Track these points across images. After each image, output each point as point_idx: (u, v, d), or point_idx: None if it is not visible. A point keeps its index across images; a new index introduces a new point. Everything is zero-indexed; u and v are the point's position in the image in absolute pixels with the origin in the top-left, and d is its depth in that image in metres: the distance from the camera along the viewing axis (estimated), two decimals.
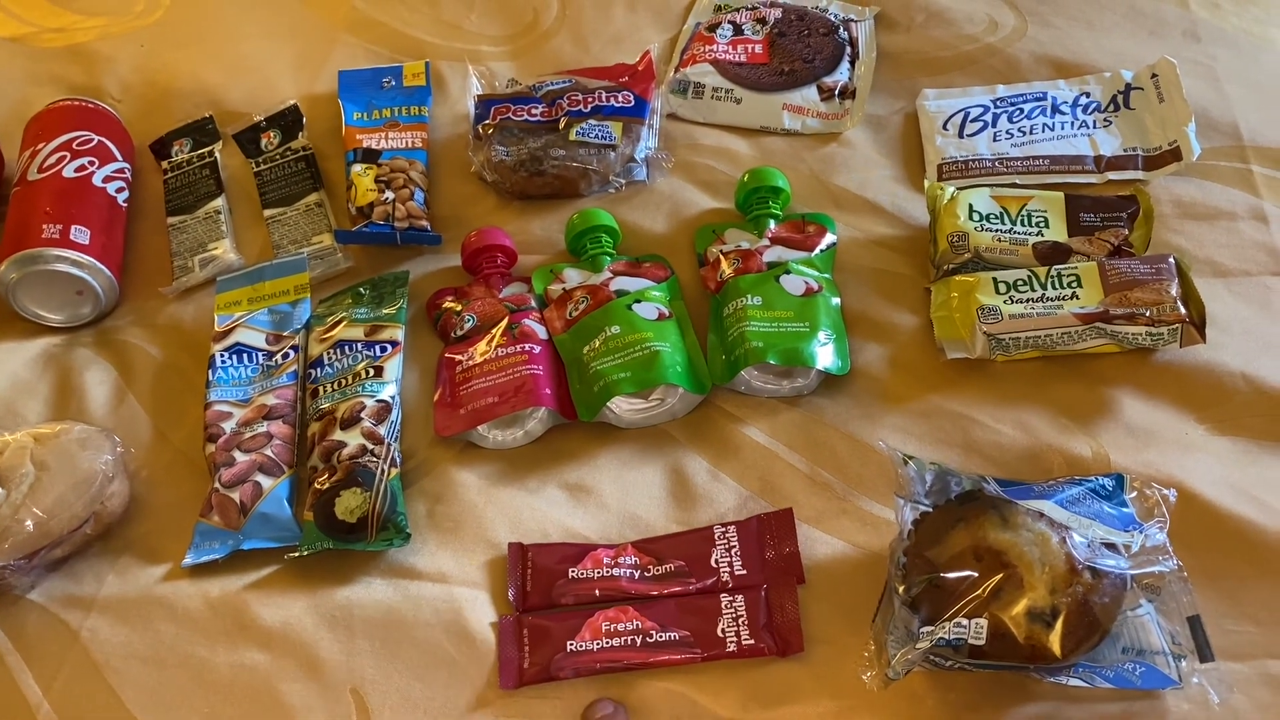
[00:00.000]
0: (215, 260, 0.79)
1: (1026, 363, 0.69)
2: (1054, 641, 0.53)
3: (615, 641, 0.59)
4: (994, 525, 0.55)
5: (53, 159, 0.82)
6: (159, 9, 1.03)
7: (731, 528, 0.63)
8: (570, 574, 0.62)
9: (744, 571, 0.61)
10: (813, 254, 0.75)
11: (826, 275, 0.75)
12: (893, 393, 0.69)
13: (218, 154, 0.88)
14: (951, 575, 0.54)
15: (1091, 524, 0.56)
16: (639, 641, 0.59)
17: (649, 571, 0.62)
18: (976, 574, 0.54)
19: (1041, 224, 0.73)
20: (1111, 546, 0.56)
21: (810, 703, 0.56)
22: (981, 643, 0.53)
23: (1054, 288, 0.68)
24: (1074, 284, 0.68)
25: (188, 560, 0.64)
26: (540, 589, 0.62)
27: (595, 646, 0.59)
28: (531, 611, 0.61)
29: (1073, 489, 0.58)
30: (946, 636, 0.53)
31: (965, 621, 0.53)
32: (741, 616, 0.59)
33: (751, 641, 0.58)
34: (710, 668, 0.58)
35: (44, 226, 0.77)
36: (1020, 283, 0.69)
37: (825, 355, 0.69)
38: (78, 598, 0.63)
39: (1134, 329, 0.66)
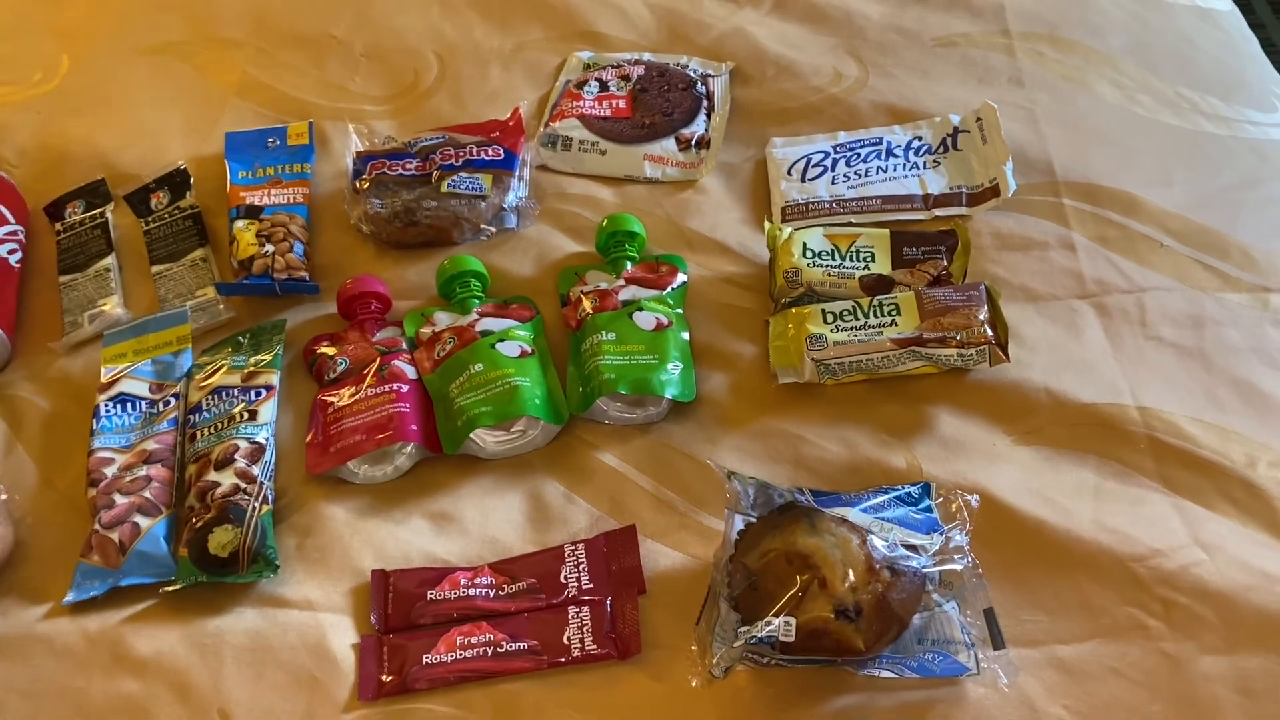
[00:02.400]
0: (103, 315, 0.84)
1: (854, 385, 0.75)
2: (857, 635, 0.58)
3: (468, 654, 0.63)
4: (803, 531, 0.61)
5: None
6: (56, 77, 1.07)
7: (580, 545, 0.68)
8: (429, 595, 0.66)
9: (591, 585, 0.66)
10: (665, 292, 0.81)
11: (678, 311, 0.80)
12: (733, 416, 0.75)
13: (109, 215, 0.92)
14: (766, 578, 0.60)
15: (893, 528, 0.62)
16: (490, 652, 0.63)
17: (503, 590, 0.67)
18: (786, 577, 0.59)
19: (869, 258, 0.80)
20: (912, 548, 0.62)
21: (645, 700, 0.61)
22: (791, 639, 0.58)
23: (875, 316, 0.75)
24: (894, 312, 0.75)
25: (68, 598, 0.67)
26: (401, 611, 0.66)
27: (449, 659, 0.63)
28: (393, 632, 0.66)
29: (879, 497, 0.64)
30: (759, 635, 0.58)
31: (775, 620, 0.58)
32: (586, 625, 0.64)
33: (595, 648, 0.63)
34: (556, 673, 0.63)
35: None
36: (845, 313, 0.75)
37: (672, 385, 0.75)
38: None
39: (946, 351, 0.73)
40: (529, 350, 0.78)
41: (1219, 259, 0.81)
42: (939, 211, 0.86)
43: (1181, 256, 0.81)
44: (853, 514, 0.62)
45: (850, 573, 0.59)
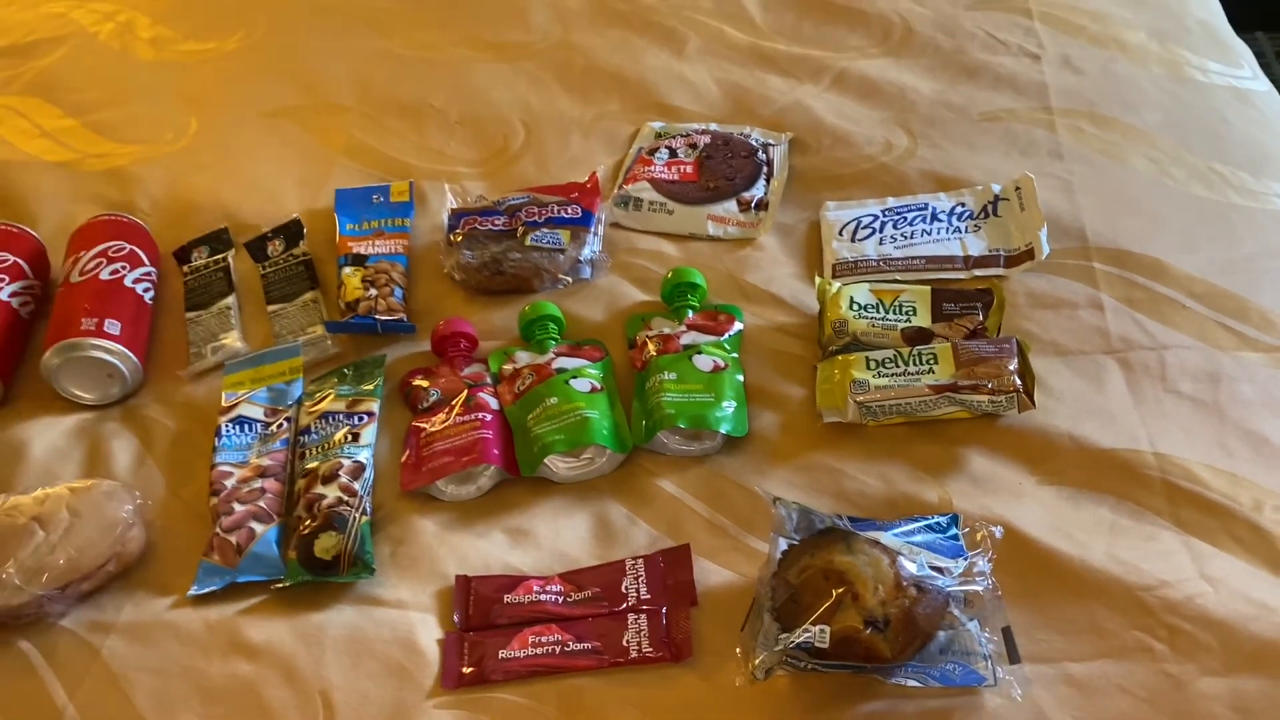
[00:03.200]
0: (225, 348, 0.94)
1: (893, 427, 0.82)
2: (884, 645, 0.65)
3: (539, 651, 0.71)
4: (839, 551, 0.68)
5: (91, 264, 0.98)
6: (185, 138, 1.20)
7: (640, 560, 0.76)
8: (505, 599, 0.75)
9: (648, 596, 0.74)
10: (723, 338, 0.89)
11: (734, 355, 0.89)
12: (781, 451, 0.82)
13: (230, 259, 1.04)
14: (805, 591, 0.67)
15: (921, 551, 0.69)
16: (558, 650, 0.71)
17: (571, 597, 0.75)
18: (824, 590, 0.67)
19: (910, 312, 0.87)
20: (938, 569, 0.69)
21: (695, 698, 0.69)
22: (825, 645, 0.65)
23: (915, 364, 0.82)
24: (931, 361, 0.82)
25: (192, 591, 0.77)
26: (480, 612, 0.75)
27: (522, 654, 0.71)
28: (473, 630, 0.74)
29: (910, 525, 0.72)
30: (797, 640, 0.65)
31: (812, 628, 0.66)
32: (644, 630, 0.72)
33: (651, 650, 0.71)
34: (616, 671, 0.70)
35: (82, 320, 0.92)
36: (887, 360, 0.83)
37: (726, 421, 0.83)
38: (100, 623, 0.77)
39: (978, 397, 0.80)
40: (599, 387, 0.87)
41: (1239, 321, 0.87)
42: (978, 272, 0.93)
43: (1203, 318, 0.87)
44: (885, 538, 0.69)
45: (880, 588, 0.66)
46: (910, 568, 0.67)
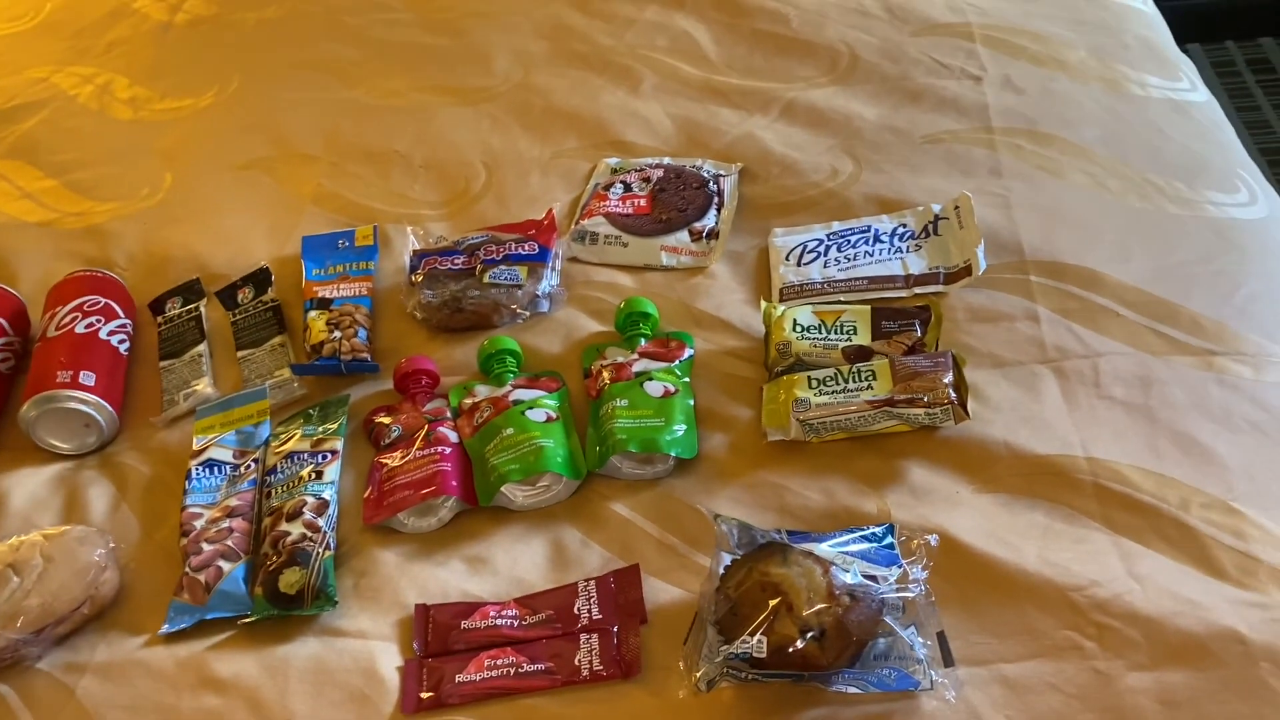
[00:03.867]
0: (196, 394, 0.98)
1: (837, 443, 0.85)
2: (820, 653, 0.68)
3: (494, 673, 0.74)
4: (775, 563, 0.71)
5: (67, 319, 1.01)
6: (160, 193, 1.24)
7: (592, 582, 0.79)
8: (462, 625, 0.77)
9: (600, 616, 0.77)
10: (674, 364, 0.92)
11: (685, 380, 0.92)
12: (729, 471, 0.85)
13: (203, 309, 1.07)
14: (743, 604, 0.70)
15: (855, 561, 0.72)
16: (512, 672, 0.74)
17: (525, 620, 0.77)
18: (760, 602, 0.69)
19: (851, 331, 0.90)
20: (872, 578, 0.71)
21: (643, 714, 0.71)
22: (763, 655, 0.68)
23: (854, 381, 0.85)
24: (870, 378, 0.85)
25: (163, 630, 0.80)
26: (439, 638, 0.77)
27: (478, 677, 0.74)
28: (432, 656, 0.77)
29: (846, 535, 0.74)
30: (736, 651, 0.68)
31: (750, 639, 0.68)
32: (595, 650, 0.74)
33: (601, 669, 0.73)
34: (568, 690, 0.73)
35: (58, 373, 0.96)
36: (828, 378, 0.86)
37: (676, 444, 0.86)
38: (74, 664, 0.79)
39: (915, 410, 0.83)
40: (554, 416, 0.90)
41: (1170, 326, 0.89)
42: (919, 289, 0.96)
43: (1136, 324, 0.90)
44: (819, 548, 0.72)
45: (813, 597, 0.69)
46: (844, 577, 0.70)
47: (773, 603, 0.69)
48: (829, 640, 0.68)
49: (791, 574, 0.70)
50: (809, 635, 0.68)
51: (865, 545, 0.74)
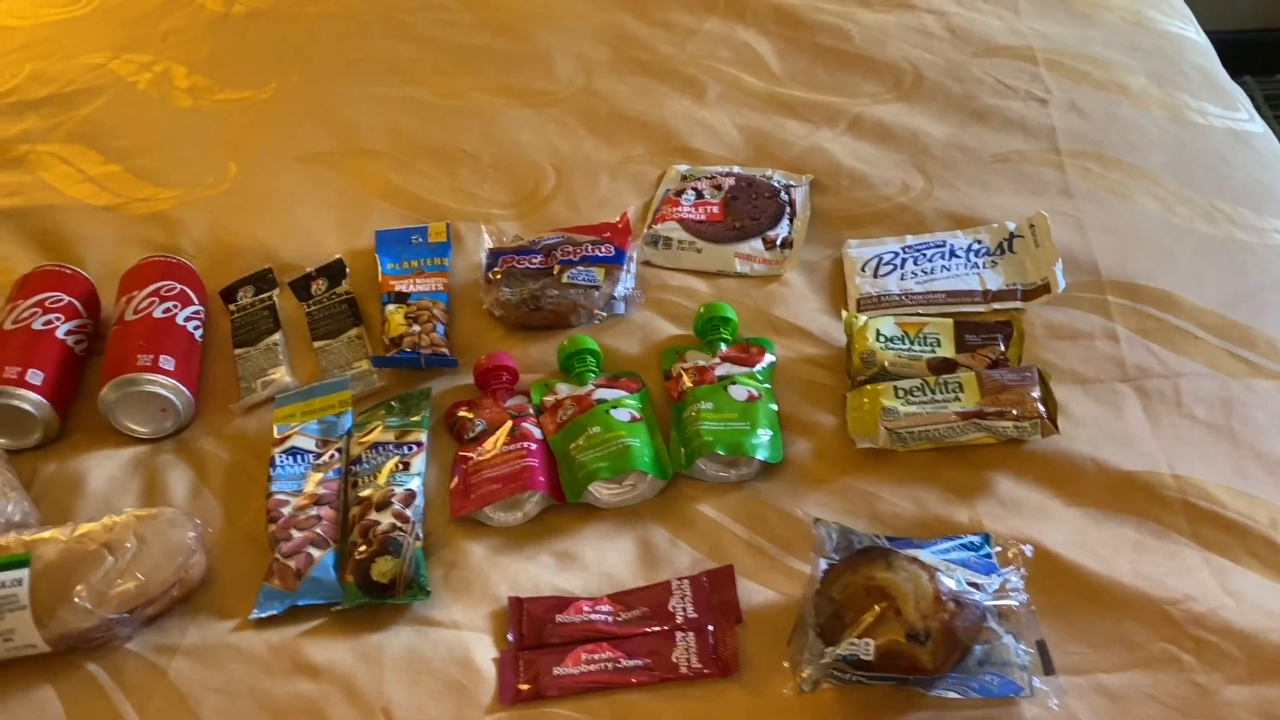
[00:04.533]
0: (275, 382, 0.98)
1: (922, 453, 0.86)
2: (926, 657, 0.69)
3: (592, 667, 0.75)
4: (880, 568, 0.72)
5: (144, 303, 1.01)
6: (225, 182, 1.25)
7: (685, 581, 0.79)
8: (557, 619, 0.78)
9: (694, 615, 0.77)
10: (755, 369, 0.93)
11: (766, 385, 0.93)
12: (815, 476, 0.86)
13: (275, 298, 1.08)
14: (848, 607, 0.71)
15: (957, 568, 0.73)
16: (610, 667, 0.74)
17: (620, 616, 0.78)
18: (866, 605, 0.70)
19: (935, 344, 0.92)
20: (974, 585, 0.72)
21: (743, 711, 0.72)
22: (870, 658, 0.69)
23: (941, 393, 0.86)
24: (957, 389, 0.86)
25: (254, 614, 0.80)
26: (533, 631, 0.78)
27: (576, 671, 0.75)
28: (526, 649, 0.77)
29: (946, 543, 0.75)
30: (844, 653, 0.69)
31: (857, 641, 0.69)
32: (691, 648, 0.75)
33: (699, 666, 0.74)
34: (667, 686, 0.74)
35: (138, 356, 0.96)
36: (915, 389, 0.87)
37: (762, 448, 0.87)
38: (165, 645, 0.79)
39: (1003, 423, 0.84)
40: (638, 416, 0.91)
41: (1248, 350, 0.91)
42: (996, 305, 0.97)
43: (1214, 347, 0.92)
44: (923, 555, 0.73)
45: (920, 603, 0.70)
46: (948, 583, 0.71)
47: (879, 607, 0.70)
48: (935, 645, 0.69)
49: (898, 579, 0.71)
50: (916, 639, 0.69)
51: (965, 554, 0.75)
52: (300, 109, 1.36)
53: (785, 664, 0.72)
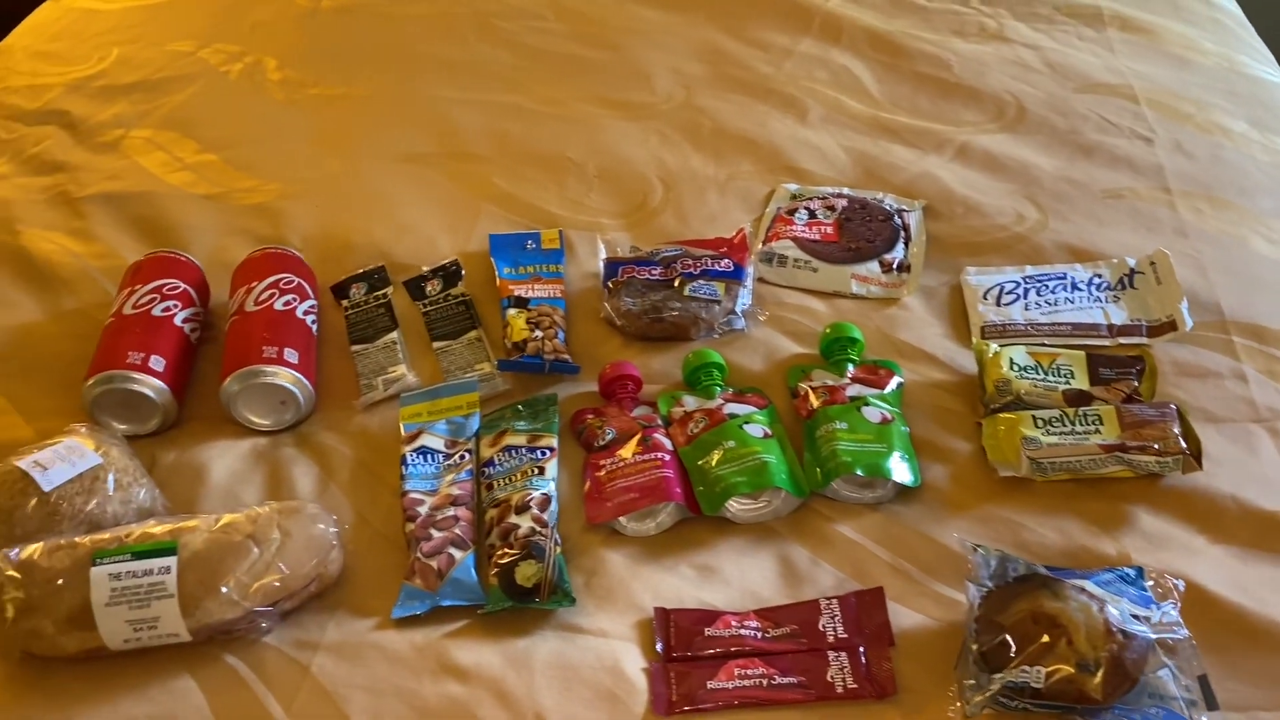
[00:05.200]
0: (400, 380, 0.98)
1: (1060, 483, 0.86)
2: (1096, 687, 0.69)
3: (745, 683, 0.74)
4: (1047, 597, 0.72)
5: (265, 295, 1.01)
6: (327, 177, 1.24)
7: (834, 601, 0.79)
8: (706, 632, 0.78)
9: (845, 635, 0.77)
10: (885, 391, 0.94)
11: (896, 409, 0.93)
12: (956, 502, 0.86)
13: (389, 296, 1.07)
14: (1016, 634, 0.70)
15: (1120, 599, 0.73)
16: (765, 684, 0.74)
17: (769, 633, 0.78)
18: (1035, 634, 0.70)
19: (1069, 375, 0.92)
20: (1136, 618, 0.72)
21: None
22: (1040, 686, 0.69)
23: (1080, 424, 0.87)
24: (1096, 422, 0.86)
25: (396, 613, 0.80)
26: (682, 643, 0.77)
27: (730, 685, 0.74)
28: (675, 660, 0.77)
29: (1105, 574, 0.75)
30: (1014, 680, 0.69)
31: (1028, 668, 0.69)
32: (845, 668, 0.75)
33: (855, 686, 0.74)
34: (823, 706, 0.73)
35: (263, 348, 0.95)
36: (1054, 419, 0.87)
37: (901, 470, 0.87)
38: (305, 641, 0.79)
39: (1145, 458, 0.84)
40: (769, 432, 0.91)
41: None
42: (1121, 340, 0.98)
43: None
44: (1088, 585, 0.73)
45: (1091, 633, 0.70)
46: (1114, 614, 0.71)
47: (1049, 635, 0.70)
48: (1105, 676, 0.69)
49: (1068, 608, 0.71)
50: (1086, 670, 0.69)
51: (1124, 586, 0.75)
52: (398, 109, 1.36)
53: (953, 689, 0.71)
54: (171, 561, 0.76)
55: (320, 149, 1.30)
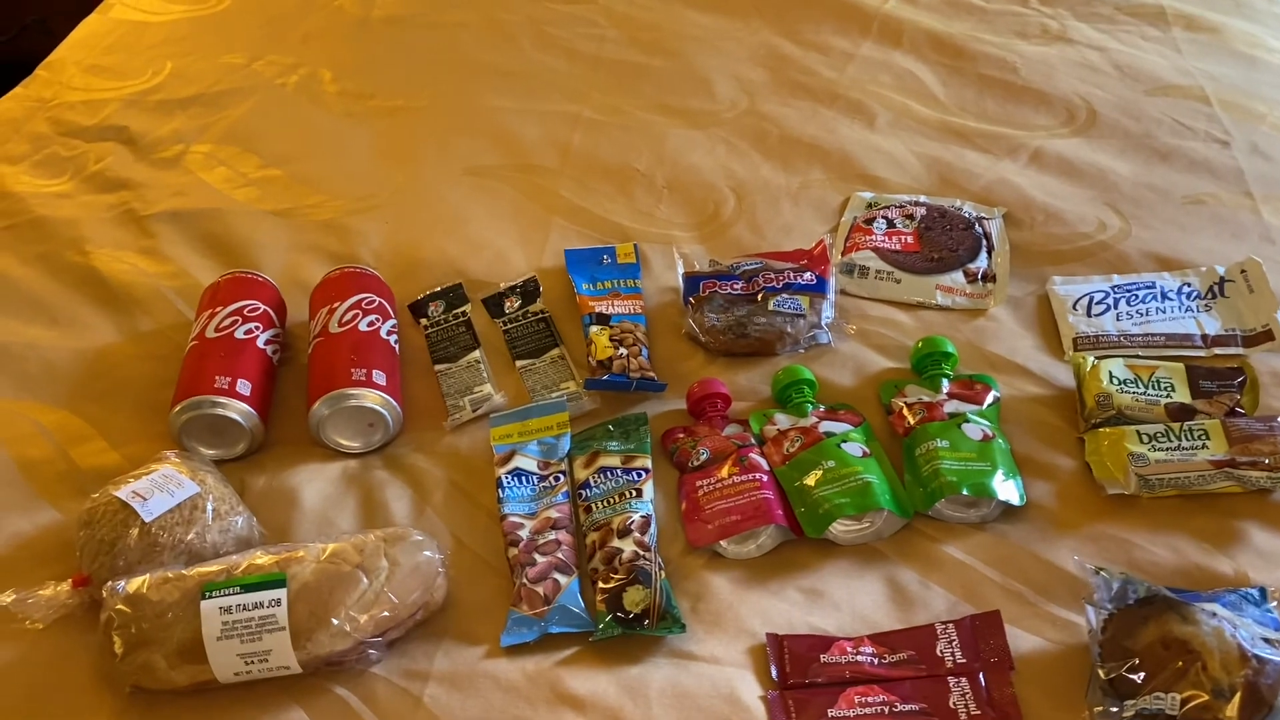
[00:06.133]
0: (489, 400, 0.97)
1: (1167, 500, 0.85)
2: (1232, 713, 0.68)
3: (867, 711, 0.73)
4: (1175, 621, 0.71)
5: (348, 315, 1.00)
6: (394, 191, 1.23)
7: (951, 625, 0.78)
8: (821, 659, 0.77)
9: (964, 660, 0.76)
10: (983, 407, 0.92)
11: (995, 425, 0.92)
12: (1063, 521, 0.85)
13: (469, 314, 1.07)
14: (1146, 660, 0.69)
15: (1249, 623, 0.72)
16: (887, 711, 0.73)
17: (885, 659, 0.77)
18: (1166, 659, 0.69)
19: (1169, 389, 0.91)
20: (1267, 641, 0.71)
21: None
22: (1176, 712, 0.68)
23: (1187, 439, 0.85)
24: (1203, 436, 0.85)
25: (506, 641, 0.79)
26: (798, 670, 0.76)
27: (851, 714, 0.73)
28: (790, 688, 0.76)
29: (1229, 596, 0.74)
30: (1148, 707, 0.68)
31: (1163, 695, 0.68)
32: (967, 694, 0.74)
33: (978, 713, 0.73)
34: None
35: (352, 371, 0.94)
36: (1160, 435, 0.86)
37: (1007, 489, 0.86)
38: (414, 671, 0.78)
39: (1256, 473, 0.83)
40: (867, 451, 0.90)
41: None
42: (1217, 350, 0.97)
43: None
44: (1218, 608, 0.71)
45: (1225, 658, 0.69)
46: (1245, 638, 0.70)
47: (1181, 661, 0.69)
48: (1241, 702, 0.68)
49: (1200, 633, 0.70)
50: (1221, 696, 0.68)
51: (1249, 608, 0.74)
52: (458, 120, 1.35)
53: (1083, 715, 0.70)
54: (281, 594, 0.76)
55: (384, 162, 1.29)
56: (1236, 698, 0.68)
